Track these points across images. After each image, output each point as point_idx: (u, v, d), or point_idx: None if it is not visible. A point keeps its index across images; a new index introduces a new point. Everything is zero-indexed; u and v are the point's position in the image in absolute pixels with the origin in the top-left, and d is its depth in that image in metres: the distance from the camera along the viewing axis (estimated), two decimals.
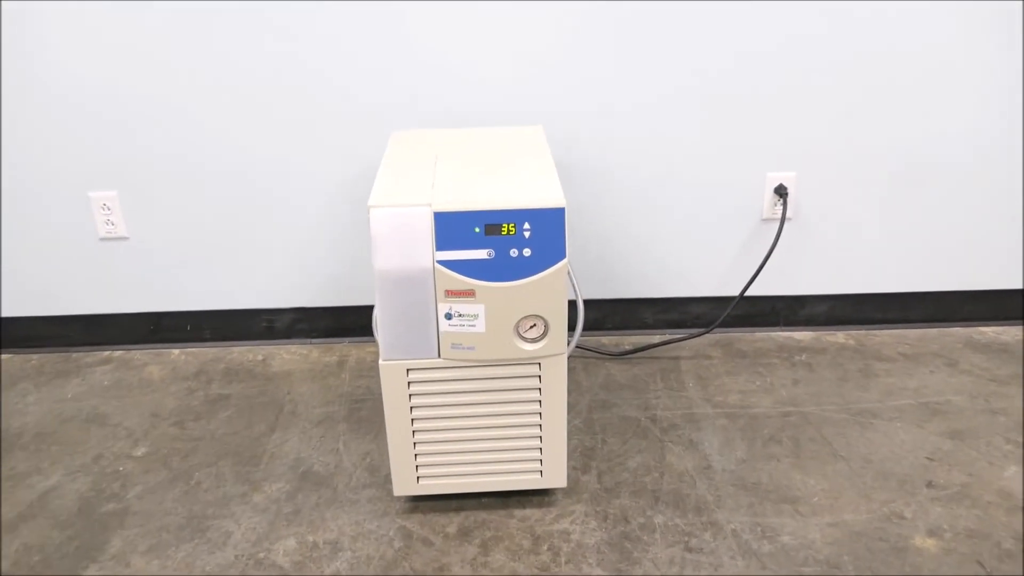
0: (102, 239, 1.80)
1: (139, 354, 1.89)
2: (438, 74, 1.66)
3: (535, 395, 1.27)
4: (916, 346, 1.83)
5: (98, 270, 1.83)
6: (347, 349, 1.88)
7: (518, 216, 1.16)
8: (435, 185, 1.22)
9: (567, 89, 1.68)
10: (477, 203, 1.16)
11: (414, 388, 1.25)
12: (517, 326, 1.21)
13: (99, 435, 1.60)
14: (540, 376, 1.25)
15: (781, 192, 1.75)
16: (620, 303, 1.87)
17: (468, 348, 1.22)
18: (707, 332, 1.79)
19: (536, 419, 1.29)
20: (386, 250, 1.16)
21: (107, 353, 1.90)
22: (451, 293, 1.18)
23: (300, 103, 1.69)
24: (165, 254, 1.82)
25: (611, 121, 1.71)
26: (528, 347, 1.22)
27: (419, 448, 1.30)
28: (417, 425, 1.28)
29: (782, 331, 1.89)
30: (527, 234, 1.16)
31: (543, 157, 1.34)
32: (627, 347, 1.83)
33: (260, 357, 1.86)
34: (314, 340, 1.90)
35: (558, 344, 1.22)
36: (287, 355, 1.86)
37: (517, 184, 1.22)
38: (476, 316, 1.19)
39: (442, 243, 1.16)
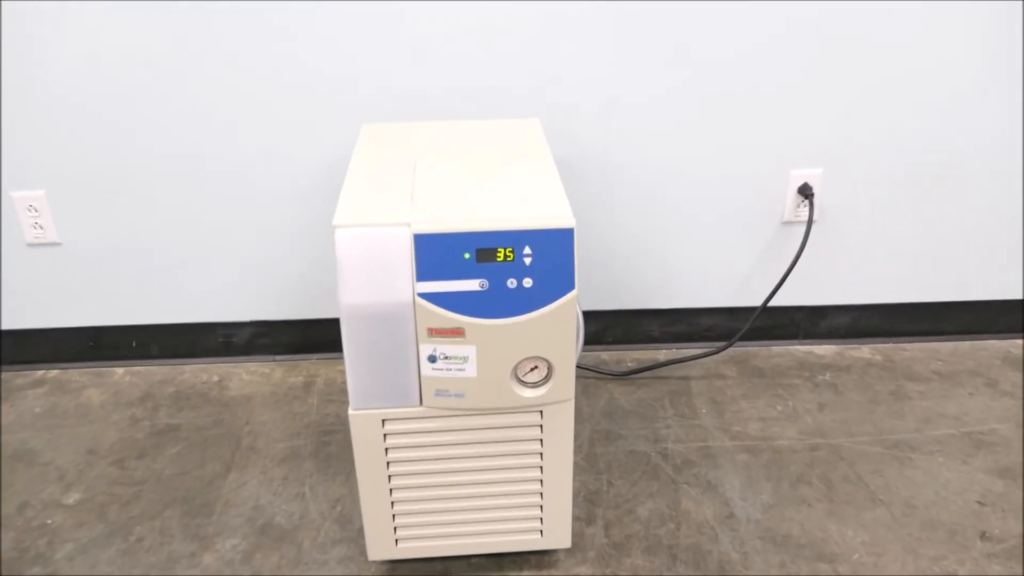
0: (30, 245, 1.57)
1: (77, 374, 1.66)
2: (422, 60, 1.44)
3: (535, 446, 1.07)
4: (950, 363, 1.64)
5: (27, 280, 1.60)
6: (315, 367, 1.66)
7: (517, 238, 0.95)
8: (415, 197, 1.01)
9: (566, 80, 1.46)
10: (466, 222, 0.95)
11: (391, 441, 1.05)
12: (515, 369, 1.00)
13: (26, 477, 1.38)
14: (542, 425, 1.05)
15: (806, 192, 1.55)
16: (622, 314, 1.67)
17: (456, 395, 1.01)
18: (728, 347, 1.59)
19: (536, 473, 1.09)
20: (354, 280, 0.95)
21: (41, 373, 1.67)
22: (435, 332, 0.97)
23: (261, 89, 1.46)
24: (104, 261, 1.59)
25: (614, 114, 1.49)
26: (528, 393, 1.02)
27: (398, 508, 1.10)
28: (395, 482, 1.07)
29: (801, 345, 1.70)
30: (528, 260, 0.95)
31: (543, 160, 1.13)
32: (630, 364, 1.63)
33: (215, 378, 1.64)
34: (277, 357, 1.69)
35: (564, 389, 1.02)
36: (246, 375, 1.65)
37: (515, 197, 1.01)
38: (466, 359, 0.98)
39: (424, 272, 0.95)
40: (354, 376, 1.00)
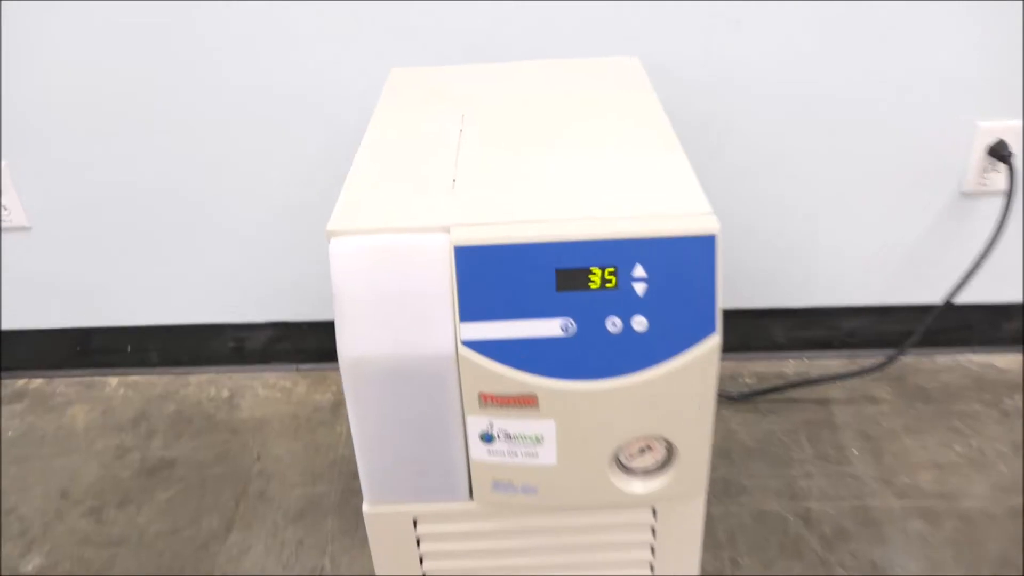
0: None
1: (63, 385, 1.36)
2: None
3: (643, 554, 0.71)
4: None
5: None
6: None
7: (623, 252, 0.58)
8: (457, 184, 0.65)
9: (667, 8, 1.07)
10: (541, 226, 0.58)
11: (428, 547, 0.70)
12: (617, 452, 0.64)
13: None
14: (654, 528, 0.69)
15: (1002, 153, 1.13)
16: (738, 315, 1.28)
17: (524, 490, 0.66)
18: (893, 360, 1.18)
19: None
20: (361, 320, 0.60)
21: (23, 382, 1.38)
22: (492, 400, 0.61)
23: (276, 28, 1.10)
24: (86, 248, 1.28)
25: (729, 44, 1.09)
26: (637, 486, 0.66)
27: None
28: None
29: (975, 354, 1.29)
30: (640, 288, 0.58)
31: (654, 121, 0.75)
32: (749, 381, 1.26)
33: (225, 393, 1.32)
34: (301, 366, 1.36)
35: (692, 479, 0.66)
36: (263, 390, 1.33)
37: (617, 182, 0.64)
38: (539, 439, 0.63)
39: (472, 307, 0.59)
40: (367, 459, 0.66)
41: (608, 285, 0.58)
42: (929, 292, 1.24)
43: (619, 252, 0.58)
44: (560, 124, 0.75)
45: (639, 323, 0.59)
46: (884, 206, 1.20)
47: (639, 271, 0.58)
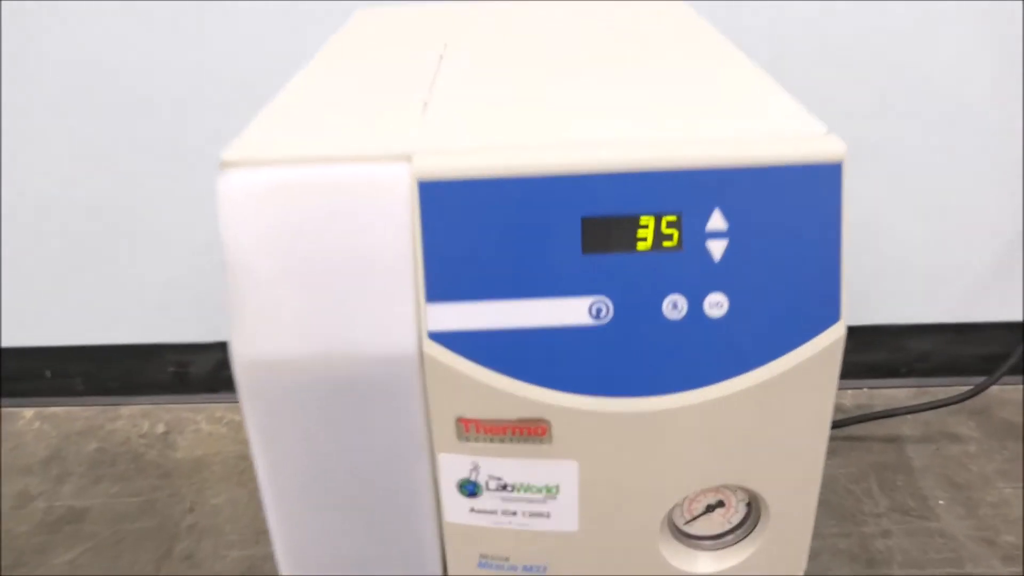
0: None
1: None
2: None
3: None
4: None
5: None
6: None
7: (691, 190, 0.36)
8: (430, 108, 0.43)
9: None
10: (556, 153, 0.36)
11: None
12: (673, 511, 0.42)
13: None
14: None
15: None
16: None
17: (528, 568, 0.43)
18: (984, 389, 0.96)
19: None
20: (265, 301, 0.37)
21: None
22: (479, 428, 0.39)
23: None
24: None
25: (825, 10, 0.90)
26: (704, 564, 0.43)
27: None
28: None
29: None
30: (718, 248, 0.36)
31: (721, 51, 0.54)
32: None
33: (160, 428, 1.10)
34: None
35: (787, 551, 0.43)
36: (206, 425, 1.10)
37: (673, 98, 0.43)
38: (552, 491, 0.40)
39: (444, 280, 0.37)
40: (281, 517, 0.43)
41: (667, 244, 0.36)
42: (1018, 307, 1.02)
43: (685, 190, 0.36)
44: (585, 47, 0.54)
45: (715, 305, 0.36)
46: (966, 202, 0.99)
47: (716, 221, 0.36)
